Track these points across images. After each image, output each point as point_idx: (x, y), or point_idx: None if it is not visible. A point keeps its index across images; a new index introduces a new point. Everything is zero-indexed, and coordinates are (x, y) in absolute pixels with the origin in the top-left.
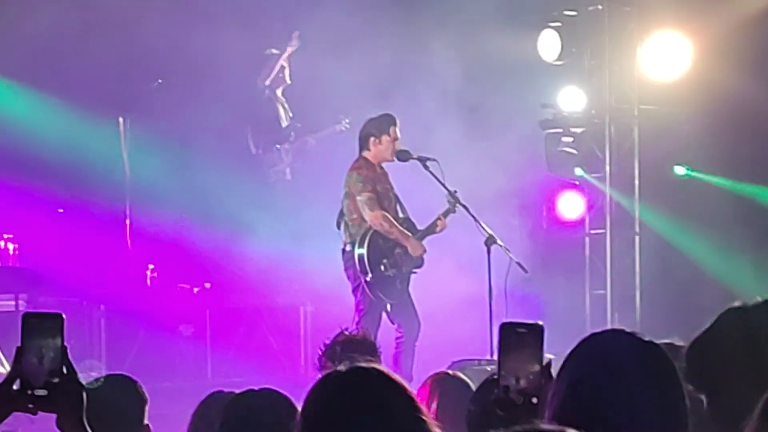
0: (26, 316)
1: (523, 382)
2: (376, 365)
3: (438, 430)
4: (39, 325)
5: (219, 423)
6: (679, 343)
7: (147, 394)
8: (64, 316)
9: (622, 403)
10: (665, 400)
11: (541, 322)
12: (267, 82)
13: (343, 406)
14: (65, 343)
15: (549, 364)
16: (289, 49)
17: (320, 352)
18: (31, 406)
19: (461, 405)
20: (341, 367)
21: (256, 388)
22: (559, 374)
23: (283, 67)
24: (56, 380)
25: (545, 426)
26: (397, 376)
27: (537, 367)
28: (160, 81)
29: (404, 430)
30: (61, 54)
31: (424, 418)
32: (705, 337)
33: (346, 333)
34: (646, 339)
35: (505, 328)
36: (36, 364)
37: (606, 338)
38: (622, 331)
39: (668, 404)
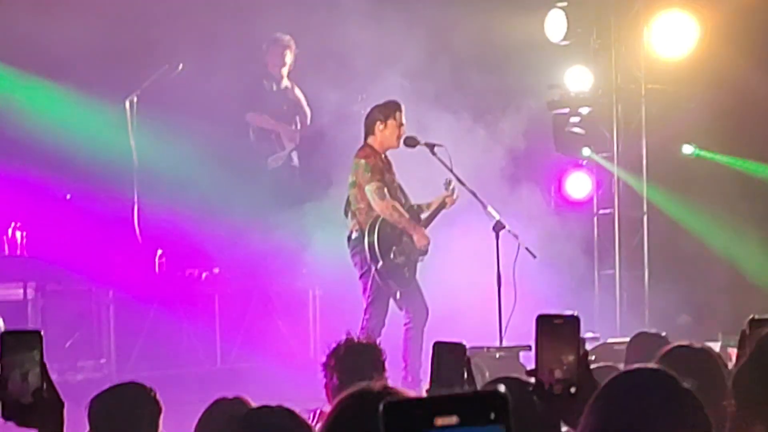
0: (4, 336)
1: (560, 373)
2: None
3: None
4: (18, 343)
5: None
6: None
7: (161, 403)
8: (42, 333)
9: None
10: None
11: (576, 313)
12: (273, 70)
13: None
14: (44, 360)
15: (586, 353)
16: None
17: (326, 356)
18: (14, 420)
19: None
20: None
21: (272, 405)
22: (591, 408)
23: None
24: (39, 396)
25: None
26: None
27: (574, 358)
28: (180, 66)
29: None
30: (64, 38)
31: None
32: (748, 363)
33: (353, 337)
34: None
35: (541, 319)
36: (19, 382)
37: (642, 378)
38: (659, 371)
39: None
